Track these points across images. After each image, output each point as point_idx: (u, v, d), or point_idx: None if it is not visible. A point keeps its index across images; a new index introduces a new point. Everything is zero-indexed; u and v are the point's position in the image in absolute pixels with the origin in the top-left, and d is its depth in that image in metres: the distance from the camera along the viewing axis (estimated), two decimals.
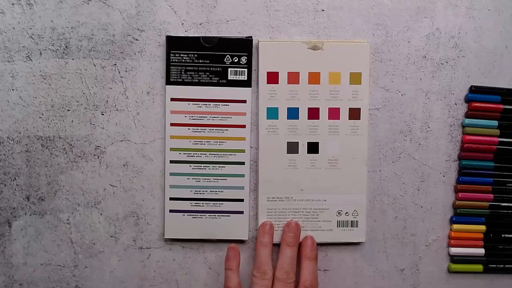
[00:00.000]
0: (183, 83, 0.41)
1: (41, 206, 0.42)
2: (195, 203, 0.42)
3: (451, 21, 0.43)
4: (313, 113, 0.42)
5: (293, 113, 0.42)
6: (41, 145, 0.42)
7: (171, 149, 0.42)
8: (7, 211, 0.42)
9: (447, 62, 0.43)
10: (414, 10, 0.42)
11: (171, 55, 0.41)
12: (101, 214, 0.43)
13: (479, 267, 0.44)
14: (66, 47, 0.41)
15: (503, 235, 0.45)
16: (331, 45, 0.41)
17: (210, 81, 0.41)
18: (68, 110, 0.42)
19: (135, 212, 0.43)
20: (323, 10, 0.42)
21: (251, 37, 0.41)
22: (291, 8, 0.42)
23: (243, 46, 0.41)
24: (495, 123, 0.43)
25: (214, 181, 0.42)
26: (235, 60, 0.41)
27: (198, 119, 0.42)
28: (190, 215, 0.42)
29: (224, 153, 0.42)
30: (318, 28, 0.42)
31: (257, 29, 0.42)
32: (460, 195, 0.44)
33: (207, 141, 0.42)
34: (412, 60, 0.43)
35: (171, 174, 0.42)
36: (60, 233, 0.43)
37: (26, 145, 0.42)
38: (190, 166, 0.42)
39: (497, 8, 0.43)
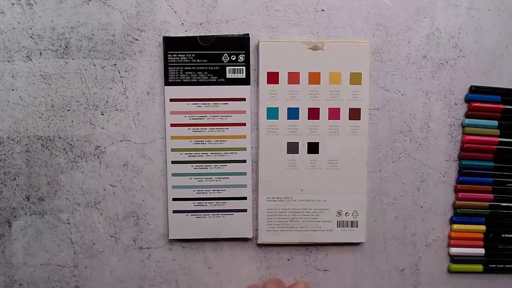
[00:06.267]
0: (182, 83, 0.41)
1: (41, 206, 0.42)
2: (198, 203, 0.42)
3: (451, 21, 0.43)
4: (313, 113, 0.42)
5: (293, 113, 0.42)
6: (41, 145, 0.42)
7: (172, 150, 0.42)
8: (7, 211, 0.42)
9: (447, 62, 0.43)
10: (414, 10, 0.42)
11: (169, 55, 0.41)
12: (101, 214, 0.43)
13: (479, 267, 0.44)
14: (66, 47, 0.41)
15: (503, 235, 0.45)
16: (331, 45, 0.41)
17: (209, 80, 0.41)
18: (68, 110, 0.42)
19: (135, 212, 0.43)
20: (323, 10, 0.42)
21: (248, 34, 0.41)
22: (291, 8, 0.42)
23: (240, 44, 0.41)
24: (495, 123, 0.43)
25: (216, 180, 0.42)
26: (233, 59, 0.41)
27: (198, 119, 0.42)
28: (194, 215, 0.42)
29: (225, 151, 0.42)
30: (318, 28, 0.42)
31: (257, 29, 0.42)
32: (460, 195, 0.44)
33: (208, 141, 0.42)
34: (412, 60, 0.43)
35: (173, 174, 0.42)
36: (60, 233, 0.43)
37: (26, 145, 0.42)
38: (192, 166, 0.42)
39: (497, 8, 0.43)
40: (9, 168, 0.42)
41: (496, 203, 0.44)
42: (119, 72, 0.42)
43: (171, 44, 0.41)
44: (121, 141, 0.42)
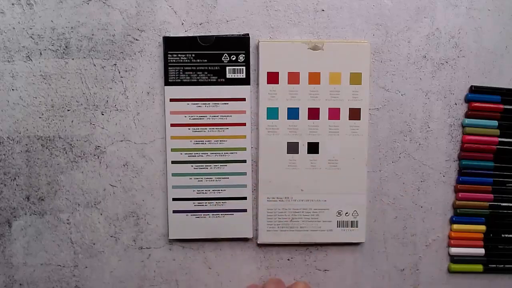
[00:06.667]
0: (182, 83, 0.41)
1: (41, 206, 0.42)
2: (198, 203, 0.42)
3: (451, 21, 0.43)
4: (313, 113, 0.42)
5: (293, 113, 0.42)
6: (41, 145, 0.42)
7: (172, 150, 0.42)
8: (7, 211, 0.42)
9: (447, 62, 0.43)
10: (414, 10, 0.42)
11: (169, 55, 0.41)
12: (101, 214, 0.43)
13: (479, 267, 0.44)
14: (66, 47, 0.41)
15: (503, 235, 0.45)
16: (331, 45, 0.41)
17: (209, 80, 0.41)
18: (68, 110, 0.42)
19: (135, 212, 0.43)
20: (323, 10, 0.42)
21: (248, 34, 0.41)
22: (291, 8, 0.42)
23: (240, 44, 0.41)
24: (495, 123, 0.43)
25: (216, 180, 0.42)
26: (233, 59, 0.41)
27: (198, 119, 0.42)
28: (194, 215, 0.42)
29: (225, 151, 0.42)
30: (318, 28, 0.42)
31: (257, 29, 0.42)
32: (460, 195, 0.44)
33: (208, 141, 0.42)
34: (412, 60, 0.43)
35: (173, 174, 0.42)
36: (60, 233, 0.43)
37: (26, 145, 0.42)
38: (192, 166, 0.42)
39: (497, 8, 0.43)
40: (9, 168, 0.42)
41: (496, 203, 0.44)
42: (119, 72, 0.42)
43: (171, 44, 0.41)
44: (121, 141, 0.42)
